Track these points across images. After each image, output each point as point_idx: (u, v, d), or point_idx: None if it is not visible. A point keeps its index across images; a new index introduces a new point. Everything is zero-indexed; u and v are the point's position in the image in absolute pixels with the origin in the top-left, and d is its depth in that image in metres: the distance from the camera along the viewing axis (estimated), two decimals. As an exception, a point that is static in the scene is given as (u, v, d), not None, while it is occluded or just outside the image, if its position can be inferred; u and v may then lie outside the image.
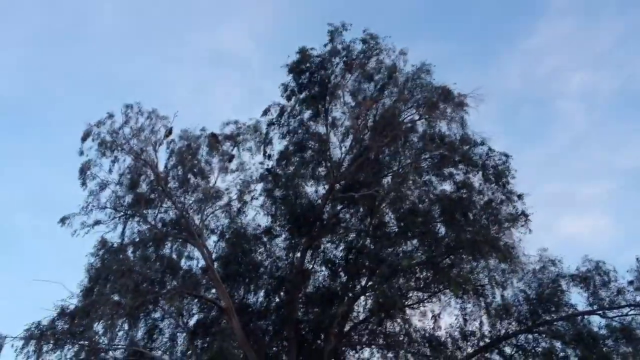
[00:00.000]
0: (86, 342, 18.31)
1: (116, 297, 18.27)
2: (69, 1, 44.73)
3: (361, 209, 20.31)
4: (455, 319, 19.74)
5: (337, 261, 20.87)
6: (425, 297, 19.40)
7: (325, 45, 19.68)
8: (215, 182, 21.31)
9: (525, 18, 49.78)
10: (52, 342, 18.13)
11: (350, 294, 20.27)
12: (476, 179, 18.68)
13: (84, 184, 20.01)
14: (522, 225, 17.96)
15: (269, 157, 20.91)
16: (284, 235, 21.58)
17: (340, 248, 21.04)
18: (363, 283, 20.01)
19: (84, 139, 19.90)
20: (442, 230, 18.74)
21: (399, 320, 20.16)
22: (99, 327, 18.15)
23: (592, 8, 46.68)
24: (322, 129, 20.14)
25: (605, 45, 48.48)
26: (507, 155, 18.60)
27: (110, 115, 20.24)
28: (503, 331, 19.02)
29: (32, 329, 18.20)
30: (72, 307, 18.31)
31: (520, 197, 18.29)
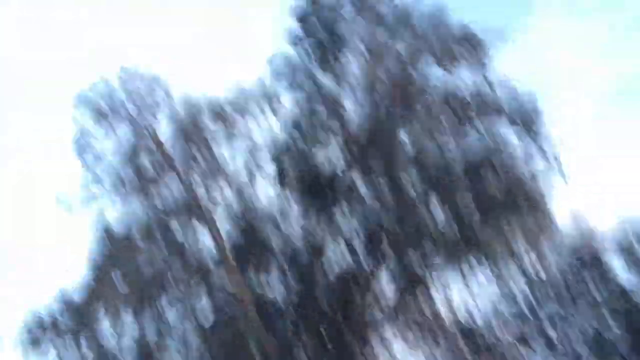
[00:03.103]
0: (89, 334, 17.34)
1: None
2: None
3: (378, 170, 18.78)
4: (488, 296, 18.09)
5: (357, 235, 19.40)
6: (455, 267, 17.64)
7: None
8: (221, 153, 20.01)
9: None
10: (52, 335, 17.36)
11: (374, 271, 18.78)
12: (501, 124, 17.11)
13: (79, 155, 18.64)
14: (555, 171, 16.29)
15: (276, 113, 19.37)
16: (297, 208, 20.16)
17: (358, 221, 19.56)
18: (387, 258, 18.47)
19: (76, 105, 18.57)
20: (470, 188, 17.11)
21: (426, 297, 18.58)
22: (102, 316, 17.33)
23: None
24: (332, 83, 18.51)
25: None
26: (534, 95, 16.92)
27: (105, 80, 18.78)
28: (543, 304, 17.51)
29: (31, 319, 17.41)
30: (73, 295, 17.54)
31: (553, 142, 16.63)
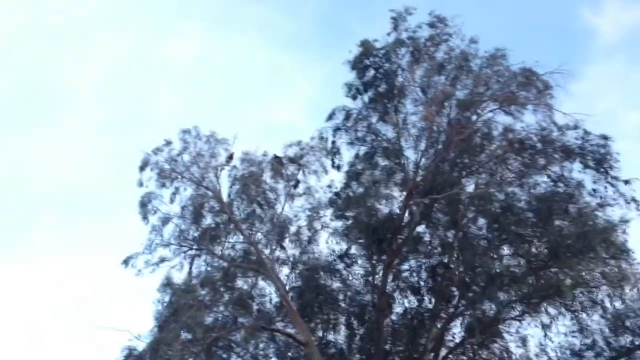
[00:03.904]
0: None
1: (187, 335, 16.85)
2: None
3: (442, 220, 18.32)
4: (565, 336, 17.29)
5: (422, 283, 18.94)
6: (529, 310, 16.96)
7: (388, 34, 17.90)
8: (282, 209, 19.81)
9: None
10: None
11: (443, 316, 18.21)
12: (573, 167, 16.51)
13: (145, 218, 18.81)
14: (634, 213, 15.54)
15: (338, 167, 19.13)
16: (360, 262, 19.86)
17: (424, 269, 19.11)
18: (455, 302, 17.99)
19: (142, 168, 18.73)
20: (541, 230, 16.51)
21: (500, 342, 17.96)
22: None
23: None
24: (392, 132, 18.28)
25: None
26: (606, 138, 16.24)
27: (168, 142, 19.05)
28: (624, 345, 16.44)
29: None
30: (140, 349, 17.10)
31: (627, 182, 15.94)
